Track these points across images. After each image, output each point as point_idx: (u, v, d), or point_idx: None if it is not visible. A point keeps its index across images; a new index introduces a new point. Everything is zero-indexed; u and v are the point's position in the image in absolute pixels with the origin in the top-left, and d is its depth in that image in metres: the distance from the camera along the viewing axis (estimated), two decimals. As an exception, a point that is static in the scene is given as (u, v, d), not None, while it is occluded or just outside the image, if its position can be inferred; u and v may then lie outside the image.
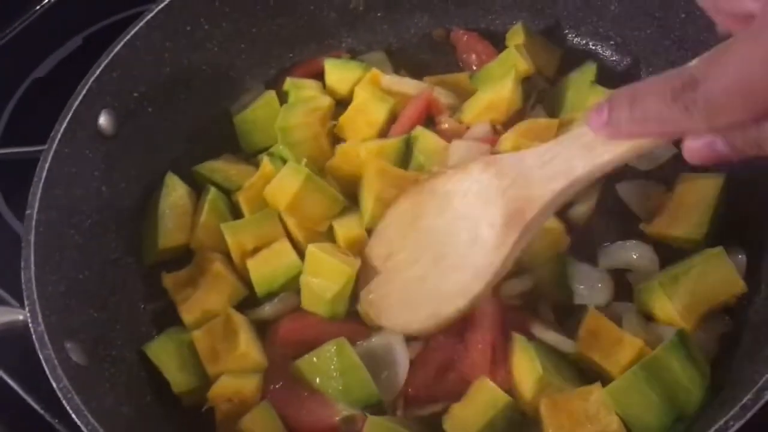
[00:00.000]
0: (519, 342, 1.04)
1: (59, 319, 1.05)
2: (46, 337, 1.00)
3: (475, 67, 1.40)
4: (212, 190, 1.26)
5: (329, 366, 1.05)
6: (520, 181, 0.90)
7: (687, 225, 1.12)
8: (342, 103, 1.35)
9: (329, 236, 1.20)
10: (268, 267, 1.17)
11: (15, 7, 1.81)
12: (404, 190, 1.15)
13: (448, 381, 1.07)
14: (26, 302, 1.03)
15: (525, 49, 1.33)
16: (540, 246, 1.11)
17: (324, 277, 1.11)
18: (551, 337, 1.07)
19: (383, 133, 1.29)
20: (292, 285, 1.16)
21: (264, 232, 1.19)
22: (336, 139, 1.31)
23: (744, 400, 0.84)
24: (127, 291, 1.22)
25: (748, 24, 0.68)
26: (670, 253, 1.12)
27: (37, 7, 1.81)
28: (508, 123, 1.25)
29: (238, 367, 1.10)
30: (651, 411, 0.95)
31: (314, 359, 1.06)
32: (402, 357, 1.08)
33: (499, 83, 1.28)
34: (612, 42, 1.38)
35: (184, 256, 1.24)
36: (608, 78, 1.29)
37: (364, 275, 1.12)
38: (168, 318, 1.19)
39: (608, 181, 1.20)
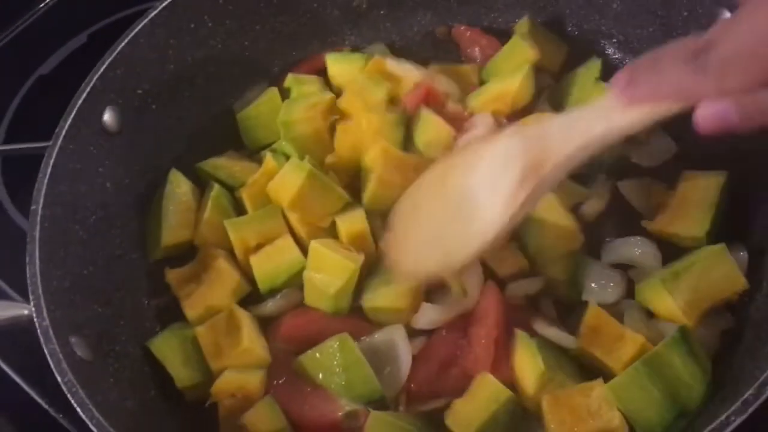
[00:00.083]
0: (521, 338, 1.05)
1: (64, 314, 1.05)
2: (50, 332, 1.01)
3: (479, 61, 1.39)
4: (216, 186, 1.26)
5: (332, 362, 1.05)
6: (541, 142, 0.92)
7: (689, 222, 1.12)
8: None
9: (332, 232, 1.20)
10: (271, 263, 1.17)
11: (19, 4, 1.81)
12: (405, 173, 1.14)
13: (451, 377, 1.07)
14: (31, 297, 1.04)
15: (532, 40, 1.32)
16: (554, 244, 1.12)
17: (327, 272, 1.11)
18: (553, 333, 1.08)
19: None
20: (295, 281, 1.17)
21: (267, 228, 1.20)
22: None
23: (745, 396, 0.85)
24: (131, 286, 1.22)
25: None
26: (672, 251, 1.12)
27: (42, 5, 1.81)
28: (513, 117, 1.25)
29: (241, 362, 1.10)
30: (653, 407, 0.95)
31: (317, 355, 1.07)
32: (404, 353, 1.08)
33: (509, 75, 1.27)
34: (614, 40, 1.38)
35: (187, 252, 1.24)
36: (611, 76, 1.28)
37: (391, 224, 1.10)
38: (172, 313, 1.20)
39: (611, 179, 1.21)
